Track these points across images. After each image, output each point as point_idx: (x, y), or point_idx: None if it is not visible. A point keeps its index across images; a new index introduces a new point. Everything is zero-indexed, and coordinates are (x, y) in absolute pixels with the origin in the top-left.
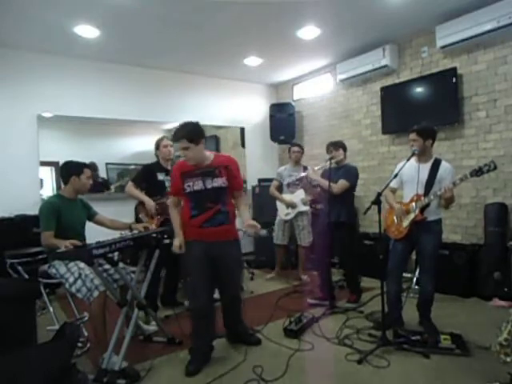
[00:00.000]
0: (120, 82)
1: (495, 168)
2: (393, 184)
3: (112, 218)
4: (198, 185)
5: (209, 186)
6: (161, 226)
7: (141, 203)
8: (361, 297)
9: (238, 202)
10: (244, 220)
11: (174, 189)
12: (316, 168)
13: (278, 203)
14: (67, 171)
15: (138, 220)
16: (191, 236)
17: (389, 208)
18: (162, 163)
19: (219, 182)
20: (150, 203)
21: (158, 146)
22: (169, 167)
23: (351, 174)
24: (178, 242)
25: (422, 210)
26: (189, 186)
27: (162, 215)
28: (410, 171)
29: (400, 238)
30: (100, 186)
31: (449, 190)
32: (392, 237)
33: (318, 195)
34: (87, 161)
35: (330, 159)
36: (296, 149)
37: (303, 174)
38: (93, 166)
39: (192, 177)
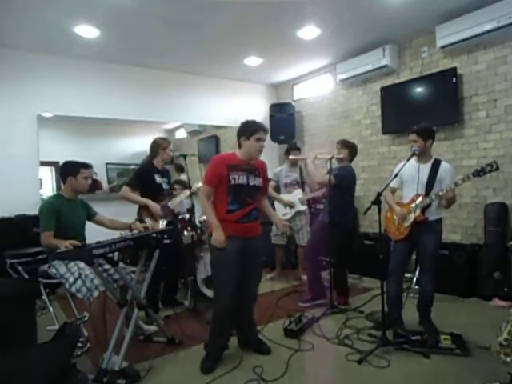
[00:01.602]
0: (120, 82)
1: (497, 168)
2: (392, 184)
3: (112, 218)
4: (242, 179)
5: (251, 183)
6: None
7: (143, 207)
8: (348, 298)
9: (264, 204)
10: (276, 221)
11: (216, 179)
12: (319, 156)
13: (276, 203)
14: (64, 171)
15: (141, 223)
16: (226, 232)
17: (388, 208)
18: (157, 165)
19: (258, 181)
20: (156, 207)
21: (164, 148)
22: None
23: (340, 174)
24: (222, 235)
25: (423, 210)
26: (234, 178)
27: (166, 218)
28: (410, 171)
29: (401, 238)
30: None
31: (451, 191)
32: (393, 237)
33: (318, 192)
34: (87, 161)
35: (331, 158)
36: (296, 153)
37: (304, 156)
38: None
39: (238, 170)
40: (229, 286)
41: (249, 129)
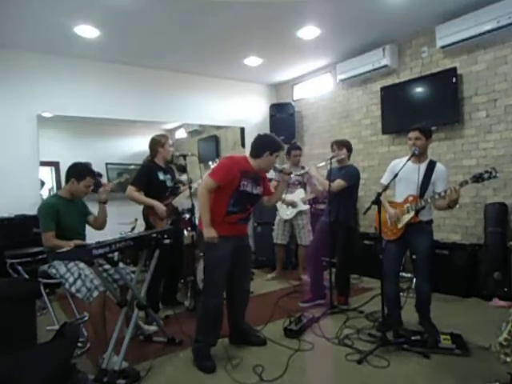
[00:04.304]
0: (120, 82)
1: (496, 176)
2: (385, 181)
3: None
4: (249, 187)
5: (255, 192)
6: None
7: (149, 208)
8: (348, 298)
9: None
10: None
11: (228, 179)
12: (318, 165)
13: (278, 203)
14: (70, 172)
15: (148, 224)
16: (223, 231)
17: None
18: (159, 162)
19: (259, 190)
20: (161, 208)
21: (162, 144)
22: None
23: (349, 175)
24: (214, 232)
25: (417, 212)
26: (243, 184)
27: (170, 217)
28: (405, 170)
29: (394, 238)
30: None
31: (455, 192)
32: (385, 237)
33: (319, 193)
34: (86, 160)
35: (331, 158)
36: (298, 152)
37: (306, 169)
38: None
39: (248, 178)
40: (221, 285)
41: (275, 145)
